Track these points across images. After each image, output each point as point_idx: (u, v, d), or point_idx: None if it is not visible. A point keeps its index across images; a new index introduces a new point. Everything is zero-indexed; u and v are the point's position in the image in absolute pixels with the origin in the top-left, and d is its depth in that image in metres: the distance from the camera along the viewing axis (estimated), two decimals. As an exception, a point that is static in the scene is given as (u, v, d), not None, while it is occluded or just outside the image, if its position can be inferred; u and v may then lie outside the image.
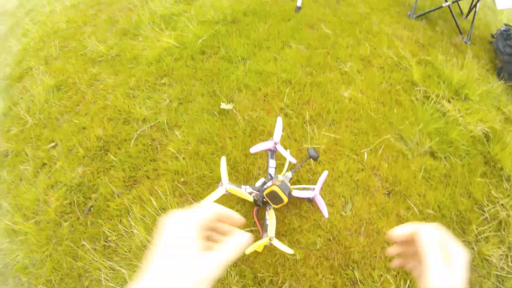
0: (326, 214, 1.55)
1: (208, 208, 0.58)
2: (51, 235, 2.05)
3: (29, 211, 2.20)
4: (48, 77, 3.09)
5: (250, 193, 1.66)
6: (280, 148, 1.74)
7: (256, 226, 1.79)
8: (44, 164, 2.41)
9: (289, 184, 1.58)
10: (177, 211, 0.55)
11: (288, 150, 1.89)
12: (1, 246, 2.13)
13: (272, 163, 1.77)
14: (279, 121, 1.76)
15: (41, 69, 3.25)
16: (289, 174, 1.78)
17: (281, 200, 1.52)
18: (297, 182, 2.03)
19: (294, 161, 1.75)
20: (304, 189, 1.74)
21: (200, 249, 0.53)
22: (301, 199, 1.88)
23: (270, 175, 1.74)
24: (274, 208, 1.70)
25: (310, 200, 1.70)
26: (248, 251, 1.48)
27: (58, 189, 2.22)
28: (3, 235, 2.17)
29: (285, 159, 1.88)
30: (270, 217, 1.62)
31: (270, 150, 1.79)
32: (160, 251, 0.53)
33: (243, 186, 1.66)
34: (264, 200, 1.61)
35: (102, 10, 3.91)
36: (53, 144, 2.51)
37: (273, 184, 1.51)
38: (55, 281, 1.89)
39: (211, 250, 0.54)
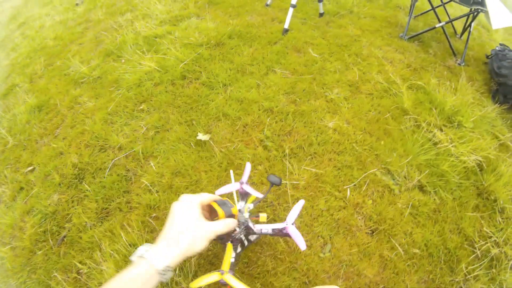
0: (303, 246, 1.41)
1: (206, 194, 1.12)
2: (25, 262, 2.01)
3: (6, 235, 2.17)
4: (31, 96, 3.07)
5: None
6: (247, 187, 1.64)
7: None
8: (22, 188, 2.38)
9: (248, 217, 1.52)
10: (184, 195, 1.08)
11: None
12: (-25, 270, 2.08)
13: (241, 204, 1.69)
14: (248, 166, 1.69)
15: (25, 87, 3.24)
16: (250, 206, 1.66)
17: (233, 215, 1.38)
18: (273, 221, 1.93)
19: (261, 196, 1.65)
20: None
21: (203, 218, 1.02)
22: (275, 237, 1.78)
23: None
24: (240, 245, 1.59)
25: (284, 234, 1.57)
26: (193, 286, 1.37)
27: (33, 216, 2.17)
28: None
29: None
30: (227, 250, 1.53)
31: (238, 191, 1.69)
32: (172, 219, 1.00)
33: None
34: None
35: (89, 28, 3.89)
36: (31, 168, 2.48)
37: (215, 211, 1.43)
38: None
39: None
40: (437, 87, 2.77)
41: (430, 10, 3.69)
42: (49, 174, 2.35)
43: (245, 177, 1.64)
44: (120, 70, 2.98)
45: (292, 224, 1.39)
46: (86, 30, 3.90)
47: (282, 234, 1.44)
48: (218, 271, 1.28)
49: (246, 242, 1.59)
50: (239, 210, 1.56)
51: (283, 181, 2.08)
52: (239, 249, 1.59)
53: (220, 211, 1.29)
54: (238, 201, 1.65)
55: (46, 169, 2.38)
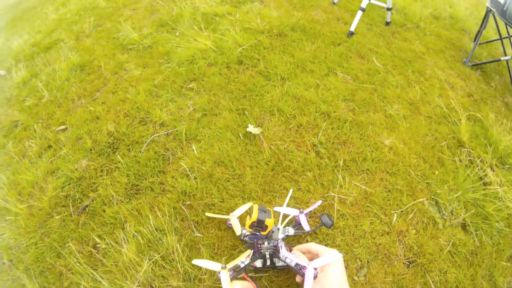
0: None
1: None
2: (40, 224, 1.93)
3: (25, 192, 2.09)
4: (75, 54, 3.00)
5: (244, 236, 1.58)
6: (302, 218, 1.61)
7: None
8: (50, 146, 2.30)
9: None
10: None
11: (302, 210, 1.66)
12: (-11, 220, 2.02)
13: (280, 227, 1.57)
14: (290, 192, 1.66)
15: (70, 44, 3.18)
16: (291, 231, 1.60)
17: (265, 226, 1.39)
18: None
19: (308, 230, 1.61)
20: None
21: None
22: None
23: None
24: (261, 261, 1.54)
25: (302, 274, 1.44)
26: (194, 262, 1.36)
27: (57, 178, 2.08)
28: None
29: None
30: (243, 253, 1.42)
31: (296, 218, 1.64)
32: None
33: (243, 231, 1.59)
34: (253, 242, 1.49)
35: (145, -5, 3.77)
36: (63, 127, 2.40)
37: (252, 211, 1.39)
38: (35, 271, 1.77)
39: None
40: (494, 124, 2.57)
41: (497, 39, 3.49)
42: (81, 137, 2.25)
43: (307, 210, 1.65)
44: (173, 43, 2.85)
45: (315, 269, 1.27)
46: (141, -4, 3.80)
47: (301, 272, 1.32)
48: (222, 264, 1.26)
49: (268, 262, 1.51)
50: (278, 228, 1.51)
51: (331, 193, 1.92)
52: (259, 265, 1.53)
53: (255, 213, 1.32)
54: (281, 222, 1.55)
55: (78, 132, 2.28)
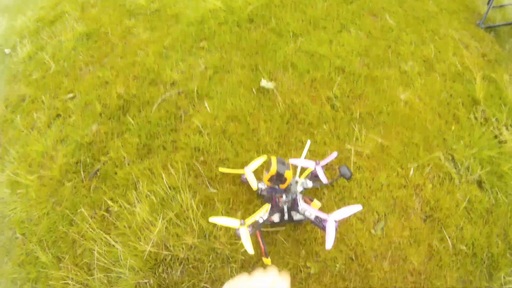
0: (329, 245, 1.22)
1: None
2: (51, 193, 1.92)
3: (34, 163, 2.07)
4: (81, 24, 2.96)
5: (262, 191, 1.57)
6: (319, 170, 1.60)
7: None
8: (59, 115, 2.28)
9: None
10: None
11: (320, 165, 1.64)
12: (1, 195, 2.03)
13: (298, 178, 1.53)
14: (308, 144, 1.63)
15: (75, 15, 3.14)
16: (309, 183, 1.55)
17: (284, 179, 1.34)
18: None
19: (326, 182, 1.61)
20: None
21: None
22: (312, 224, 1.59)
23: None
24: (279, 215, 1.53)
25: (322, 227, 1.40)
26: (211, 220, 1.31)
27: (67, 145, 2.07)
28: (5, 185, 2.07)
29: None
30: (261, 208, 1.38)
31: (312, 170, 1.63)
32: None
33: (260, 185, 1.56)
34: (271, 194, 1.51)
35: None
36: (71, 95, 2.37)
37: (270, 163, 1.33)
38: (48, 242, 1.77)
39: None
40: (509, 85, 2.52)
41: (510, 4, 3.41)
42: (90, 103, 2.23)
43: (323, 161, 1.64)
44: (181, 5, 2.83)
45: (335, 221, 1.24)
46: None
47: (321, 226, 1.30)
48: (241, 221, 1.24)
49: (286, 216, 1.49)
50: (296, 181, 1.48)
51: (348, 146, 1.88)
52: (277, 219, 1.52)
53: (274, 166, 1.27)
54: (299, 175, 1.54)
55: (88, 98, 2.26)
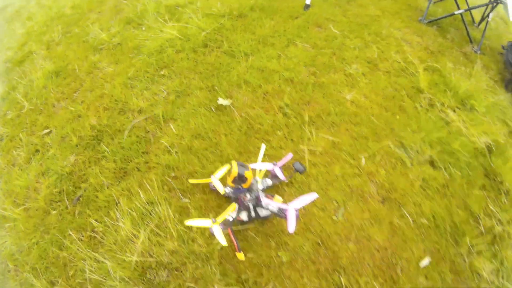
0: (291, 228, 1.44)
1: None
2: (39, 223, 2.03)
3: (19, 197, 2.18)
4: (49, 62, 3.08)
5: (228, 193, 1.72)
6: (277, 170, 1.80)
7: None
8: (37, 150, 2.39)
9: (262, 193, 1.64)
10: None
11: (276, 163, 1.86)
12: (-11, 231, 2.11)
13: (259, 178, 1.75)
14: (263, 147, 1.85)
15: (42, 54, 3.25)
16: (269, 181, 1.78)
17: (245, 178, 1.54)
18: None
19: (283, 178, 1.81)
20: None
21: None
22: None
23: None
24: (247, 214, 1.72)
25: (285, 216, 1.56)
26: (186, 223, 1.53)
27: (49, 177, 2.19)
28: None
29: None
30: (229, 207, 1.59)
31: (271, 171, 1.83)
32: None
33: (226, 189, 1.72)
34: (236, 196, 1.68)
35: (108, -2, 3.88)
36: (47, 130, 2.49)
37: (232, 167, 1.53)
38: (40, 269, 1.87)
39: None
40: (453, 71, 2.77)
41: (450, -5, 3.64)
42: (66, 136, 2.36)
43: (280, 162, 1.83)
44: (141, 37, 2.98)
45: (295, 209, 1.45)
46: (104, -1, 3.92)
47: (284, 216, 1.50)
48: (212, 219, 1.42)
49: (253, 213, 1.68)
50: (256, 181, 1.67)
51: (301, 147, 2.11)
52: (245, 218, 1.71)
53: (235, 168, 1.47)
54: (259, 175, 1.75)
55: (63, 131, 2.39)
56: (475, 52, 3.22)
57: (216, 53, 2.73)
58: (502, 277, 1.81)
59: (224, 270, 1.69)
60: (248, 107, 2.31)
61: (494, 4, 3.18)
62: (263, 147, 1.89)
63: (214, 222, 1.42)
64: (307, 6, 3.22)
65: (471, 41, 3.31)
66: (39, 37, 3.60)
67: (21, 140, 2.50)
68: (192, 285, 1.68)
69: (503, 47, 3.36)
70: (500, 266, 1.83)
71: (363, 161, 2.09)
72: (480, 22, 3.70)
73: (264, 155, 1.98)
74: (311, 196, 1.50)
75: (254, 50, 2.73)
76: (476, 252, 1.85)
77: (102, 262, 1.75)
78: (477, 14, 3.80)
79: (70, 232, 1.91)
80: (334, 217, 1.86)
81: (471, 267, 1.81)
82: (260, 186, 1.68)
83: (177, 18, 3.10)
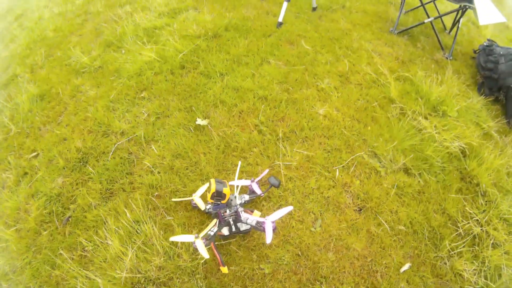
0: (268, 240, 1.53)
1: None
2: (30, 243, 2.09)
3: (10, 219, 2.24)
4: (33, 86, 3.14)
5: (208, 209, 1.84)
6: (255, 186, 1.92)
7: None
8: (26, 173, 2.46)
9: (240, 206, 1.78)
10: None
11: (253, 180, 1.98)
12: (-18, 253, 2.16)
13: (237, 194, 1.88)
14: (239, 164, 2.01)
15: (26, 77, 3.29)
16: (246, 197, 1.90)
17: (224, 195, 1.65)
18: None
19: (260, 193, 1.94)
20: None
21: None
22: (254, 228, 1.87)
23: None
24: (228, 229, 1.82)
25: (263, 229, 1.65)
26: (171, 239, 1.64)
27: (38, 199, 2.26)
28: None
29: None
30: (211, 223, 1.73)
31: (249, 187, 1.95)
32: None
33: (207, 206, 1.86)
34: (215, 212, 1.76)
35: (88, 20, 3.97)
36: (34, 153, 2.56)
37: (210, 184, 1.64)
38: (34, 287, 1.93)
39: None
40: (424, 79, 2.89)
41: (420, 6, 3.80)
42: (53, 158, 2.44)
43: (257, 178, 1.96)
44: (121, 60, 3.08)
45: (272, 222, 1.58)
46: (85, 21, 3.99)
47: (262, 229, 1.62)
48: (195, 234, 1.50)
49: (233, 228, 1.78)
50: (235, 196, 1.79)
51: (277, 162, 2.23)
52: (226, 233, 1.81)
53: (213, 186, 1.58)
54: (236, 192, 1.87)
55: (50, 154, 2.47)
56: (447, 58, 3.37)
57: (192, 74, 2.84)
58: (485, 277, 1.88)
59: (209, 284, 1.77)
60: (224, 126, 2.42)
61: (464, 9, 3.30)
62: (239, 163, 2.03)
63: (196, 237, 1.52)
64: (279, 24, 3.35)
65: (442, 48, 3.46)
66: (23, 60, 3.66)
67: (9, 163, 2.56)
68: (180, 299, 1.77)
69: (474, 51, 3.52)
70: (482, 266, 1.91)
71: (337, 172, 2.21)
72: (451, 29, 3.86)
73: (241, 171, 2.11)
74: (287, 209, 1.63)
75: (229, 70, 2.84)
76: (456, 254, 1.94)
77: (93, 279, 1.82)
78: (448, 21, 3.96)
79: (61, 252, 1.98)
80: (312, 229, 1.96)
81: (452, 269, 1.90)
82: (238, 202, 1.80)
83: (155, 41, 3.21)
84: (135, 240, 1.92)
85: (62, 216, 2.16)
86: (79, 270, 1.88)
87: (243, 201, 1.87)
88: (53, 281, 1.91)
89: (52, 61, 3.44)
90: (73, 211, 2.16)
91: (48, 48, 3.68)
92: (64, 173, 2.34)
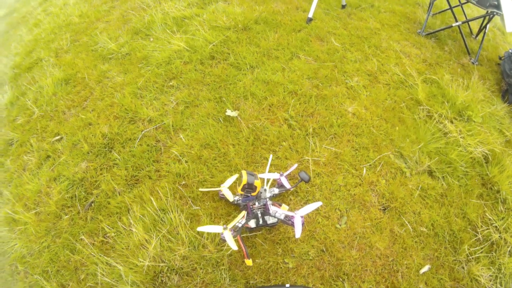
0: (297, 234, 1.52)
1: None
2: (50, 227, 2.09)
3: (30, 201, 2.24)
4: (58, 70, 3.14)
5: (237, 201, 1.83)
6: (284, 180, 1.90)
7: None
8: (48, 156, 2.46)
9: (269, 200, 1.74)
10: None
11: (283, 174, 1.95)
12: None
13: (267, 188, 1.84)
14: (271, 157, 1.98)
15: (51, 61, 3.30)
16: (276, 190, 1.88)
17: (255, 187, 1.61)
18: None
19: (289, 187, 1.90)
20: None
21: None
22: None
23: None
24: (254, 221, 1.80)
25: (292, 224, 1.65)
26: (199, 229, 1.60)
27: (60, 183, 2.25)
28: (2, 224, 2.22)
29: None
30: (239, 215, 1.69)
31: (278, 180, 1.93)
32: None
33: (235, 197, 1.83)
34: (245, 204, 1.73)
35: (115, 7, 3.96)
36: (58, 137, 2.55)
37: (242, 176, 1.60)
38: (51, 272, 1.93)
39: None
40: (450, 83, 2.85)
41: (448, 9, 3.75)
42: (77, 143, 2.44)
43: (286, 172, 1.94)
44: (149, 48, 3.06)
45: (301, 216, 1.55)
46: (112, 9, 3.98)
47: (291, 223, 1.60)
48: (223, 225, 1.48)
49: (261, 221, 1.76)
50: (265, 189, 1.75)
51: (306, 157, 2.20)
52: (253, 225, 1.79)
53: (245, 177, 1.54)
54: (267, 185, 1.84)
55: (74, 138, 2.46)
56: (473, 63, 3.32)
57: (222, 65, 2.81)
58: (500, 284, 1.87)
59: (233, 276, 1.76)
60: (254, 118, 2.40)
61: (491, 15, 3.25)
62: (270, 157, 2.00)
63: (224, 228, 1.50)
64: (309, 20, 3.32)
65: (468, 53, 3.41)
66: (47, 45, 3.67)
67: (31, 145, 2.56)
68: (203, 289, 1.75)
69: (500, 58, 3.47)
70: (498, 273, 1.90)
71: (364, 171, 2.18)
72: (477, 34, 3.80)
73: (271, 165, 2.08)
74: (316, 204, 1.60)
75: (259, 63, 2.82)
76: (474, 260, 1.92)
77: (114, 266, 1.81)
78: (475, 26, 3.90)
79: (82, 237, 1.98)
80: (338, 225, 1.94)
81: (469, 274, 1.88)
82: (268, 195, 1.77)
83: (184, 30, 3.18)
84: (160, 228, 1.91)
85: (85, 201, 2.15)
86: (100, 256, 1.87)
87: (272, 194, 1.85)
88: (71, 266, 1.91)
89: (78, 46, 3.44)
90: (96, 197, 2.15)
91: (73, 33, 3.69)
92: (88, 158, 2.34)
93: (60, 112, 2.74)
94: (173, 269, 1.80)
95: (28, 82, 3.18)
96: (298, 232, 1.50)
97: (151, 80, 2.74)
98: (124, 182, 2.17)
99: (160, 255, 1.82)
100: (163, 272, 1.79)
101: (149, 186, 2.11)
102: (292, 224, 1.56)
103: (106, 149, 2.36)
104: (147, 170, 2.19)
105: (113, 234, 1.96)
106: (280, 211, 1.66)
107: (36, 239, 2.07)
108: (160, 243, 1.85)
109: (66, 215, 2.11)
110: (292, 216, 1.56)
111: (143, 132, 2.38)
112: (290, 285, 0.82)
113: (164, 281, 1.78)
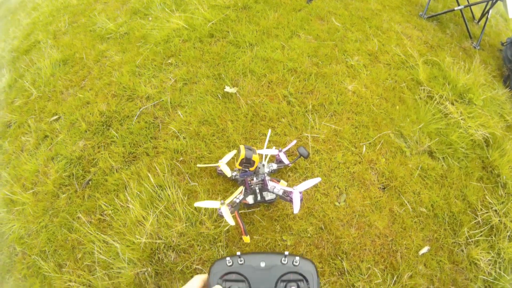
0: (296, 210, 1.48)
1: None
2: (48, 207, 2.09)
3: (28, 181, 2.24)
4: (56, 51, 3.12)
5: (235, 176, 1.81)
6: (282, 155, 1.87)
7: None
8: (46, 136, 2.45)
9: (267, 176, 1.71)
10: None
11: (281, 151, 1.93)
12: (-3, 215, 2.15)
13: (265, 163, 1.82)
14: (269, 132, 1.96)
15: (49, 43, 3.28)
16: (274, 166, 1.85)
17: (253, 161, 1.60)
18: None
19: (287, 163, 1.88)
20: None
21: None
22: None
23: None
24: (253, 197, 1.79)
25: (290, 199, 1.60)
26: (196, 205, 1.55)
27: (58, 162, 2.24)
28: (0, 205, 2.22)
29: None
30: (236, 190, 1.66)
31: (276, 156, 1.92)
32: None
33: (233, 173, 1.81)
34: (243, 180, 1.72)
35: (114, -12, 3.91)
36: (56, 117, 2.54)
37: (240, 150, 1.59)
38: (48, 252, 1.93)
39: None
40: (452, 65, 2.83)
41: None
42: (75, 122, 2.42)
43: (285, 148, 1.93)
44: (148, 27, 3.03)
45: (300, 192, 1.51)
46: (110, -10, 3.94)
47: (289, 199, 1.56)
48: (220, 201, 1.45)
49: (259, 197, 1.74)
50: (263, 165, 1.75)
51: (305, 134, 2.18)
52: (251, 201, 1.77)
53: (243, 152, 1.52)
54: (265, 160, 1.81)
55: (72, 118, 2.45)
56: (474, 47, 3.30)
57: (221, 43, 2.78)
58: (499, 268, 1.87)
59: (230, 252, 1.74)
60: (253, 95, 2.38)
61: (494, 1, 3.23)
62: (269, 132, 1.97)
63: (222, 203, 1.48)
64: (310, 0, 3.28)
65: (470, 37, 3.39)
66: (45, 27, 3.64)
67: (29, 126, 2.56)
68: (200, 266, 1.74)
69: (502, 44, 3.44)
70: (497, 257, 1.90)
71: (364, 149, 2.16)
72: (480, 19, 3.77)
73: (269, 141, 2.06)
74: (315, 180, 1.57)
75: (259, 41, 2.78)
76: (473, 243, 1.92)
77: (111, 244, 1.81)
78: (477, 11, 3.87)
79: (79, 215, 1.97)
80: (337, 203, 1.93)
81: (469, 257, 1.88)
82: (266, 170, 1.75)
83: (183, 9, 3.14)
84: (157, 204, 1.90)
85: (82, 179, 2.15)
86: (97, 234, 1.87)
87: (270, 170, 1.82)
88: (69, 245, 1.91)
89: (76, 28, 3.41)
90: (94, 174, 2.14)
91: (71, 15, 3.66)
92: (86, 136, 2.33)
93: (58, 92, 2.72)
94: (170, 246, 1.79)
95: (26, 65, 3.16)
96: (296, 208, 1.47)
97: (150, 58, 2.72)
98: (121, 159, 2.16)
99: (157, 232, 1.82)
100: (159, 249, 1.79)
101: (146, 163, 2.10)
102: (291, 200, 1.54)
103: (104, 127, 2.34)
104: (144, 147, 2.18)
105: (110, 212, 1.95)
106: (278, 187, 1.63)
107: (34, 219, 2.07)
108: (157, 219, 1.85)
109: (63, 193, 2.11)
110: (291, 192, 1.53)
111: (141, 109, 2.36)
112: (289, 254, 0.80)
113: (161, 258, 1.78)
